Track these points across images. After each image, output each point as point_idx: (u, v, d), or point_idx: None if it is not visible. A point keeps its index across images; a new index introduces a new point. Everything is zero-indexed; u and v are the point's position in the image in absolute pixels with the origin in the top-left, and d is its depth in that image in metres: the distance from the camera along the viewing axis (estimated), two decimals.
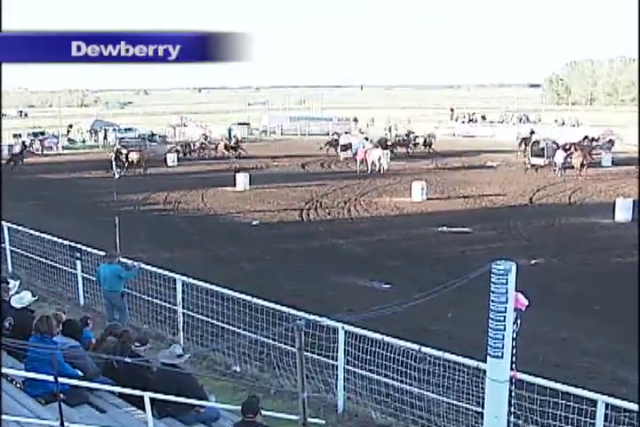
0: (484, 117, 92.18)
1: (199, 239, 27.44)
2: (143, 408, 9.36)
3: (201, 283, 15.13)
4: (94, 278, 16.98)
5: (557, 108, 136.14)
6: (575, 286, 20.87)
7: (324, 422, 10.12)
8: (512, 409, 9.92)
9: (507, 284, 8.71)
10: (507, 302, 8.78)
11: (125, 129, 72.35)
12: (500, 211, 33.11)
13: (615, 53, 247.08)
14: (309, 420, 7.61)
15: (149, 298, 16.58)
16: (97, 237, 21.99)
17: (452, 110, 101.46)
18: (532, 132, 58.86)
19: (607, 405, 9.52)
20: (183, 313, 15.52)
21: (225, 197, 36.83)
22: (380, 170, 45.35)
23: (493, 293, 8.72)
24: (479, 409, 10.40)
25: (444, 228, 29.10)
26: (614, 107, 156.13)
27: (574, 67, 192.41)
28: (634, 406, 9.39)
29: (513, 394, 9.78)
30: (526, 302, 9.48)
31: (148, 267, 16.38)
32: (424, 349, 11.25)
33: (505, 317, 8.88)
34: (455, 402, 11.16)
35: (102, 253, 16.73)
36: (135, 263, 16.33)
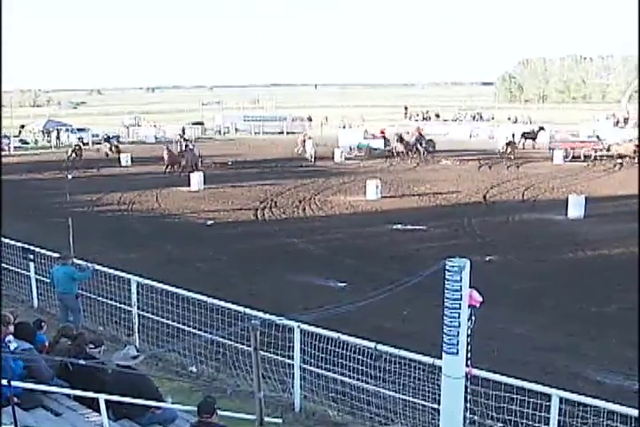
0: (437, 116, 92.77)
1: (154, 240, 27.29)
2: (99, 411, 9.29)
3: (156, 283, 15.03)
4: (48, 280, 16.83)
5: (510, 106, 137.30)
6: (529, 283, 21.06)
7: (280, 421, 10.12)
8: (468, 405, 9.99)
9: (461, 281, 8.76)
10: (461, 298, 8.84)
11: (78, 129, 71.62)
12: (454, 208, 33.30)
13: (567, 51, 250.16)
14: (266, 419, 7.60)
15: (104, 299, 16.45)
16: (50, 238, 21.76)
17: (406, 109, 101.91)
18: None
19: (561, 399, 9.59)
20: (138, 314, 15.41)
21: (179, 197, 36.63)
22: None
23: (447, 290, 8.77)
24: (435, 406, 10.47)
25: (399, 226, 29.20)
26: (566, 104, 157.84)
27: (527, 65, 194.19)
28: (587, 400, 9.48)
29: (468, 390, 9.86)
30: (480, 299, 9.55)
31: (103, 268, 16.25)
32: (380, 346, 11.28)
33: (459, 313, 8.93)
34: (411, 399, 11.20)
35: (56, 255, 16.57)
36: (89, 265, 16.19)
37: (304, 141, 55.43)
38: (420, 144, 52.35)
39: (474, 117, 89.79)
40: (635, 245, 24.96)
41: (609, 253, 24.95)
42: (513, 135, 55.12)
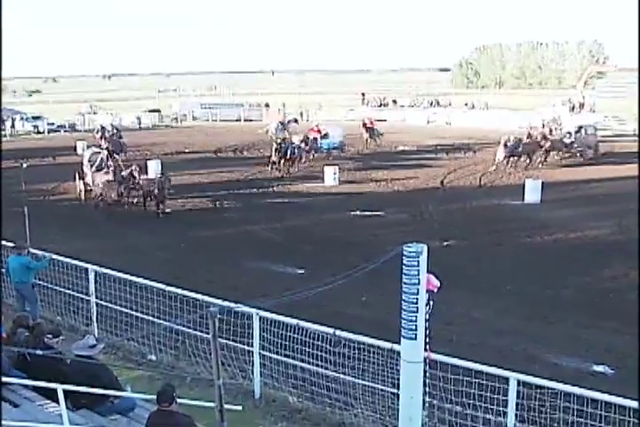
0: (394, 102, 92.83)
1: (111, 228, 27.12)
2: (57, 401, 9.23)
3: (114, 272, 14.94)
4: (3, 270, 16.66)
5: (467, 92, 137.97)
6: (487, 267, 21.24)
7: (240, 408, 10.11)
8: (427, 389, 10.06)
9: (418, 266, 8.80)
10: (419, 283, 8.88)
11: (34, 117, 70.82)
12: (412, 194, 33.46)
13: (523, 38, 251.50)
14: (226, 406, 7.58)
15: (61, 289, 16.31)
16: (5, 227, 21.52)
17: (364, 95, 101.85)
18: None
19: (519, 382, 9.69)
20: (96, 303, 15.32)
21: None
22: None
23: (405, 275, 8.80)
24: (395, 390, 10.52)
25: (357, 212, 29.28)
26: (522, 90, 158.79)
27: (483, 51, 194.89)
28: (544, 382, 9.58)
29: (427, 374, 9.93)
30: (438, 284, 9.60)
31: (60, 257, 16.11)
32: (338, 332, 11.32)
33: (417, 298, 8.97)
34: (371, 384, 11.25)
35: (11, 245, 16.40)
36: (45, 254, 16.05)
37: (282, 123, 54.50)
38: (371, 136, 51.80)
39: (431, 103, 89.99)
40: (590, 229, 25.39)
41: (565, 238, 25.24)
42: None
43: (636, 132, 57.26)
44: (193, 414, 9.08)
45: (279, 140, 41.71)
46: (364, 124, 52.06)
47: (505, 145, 40.90)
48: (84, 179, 32.92)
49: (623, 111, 70.41)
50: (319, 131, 47.95)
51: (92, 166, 32.58)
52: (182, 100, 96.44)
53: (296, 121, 59.28)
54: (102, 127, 50.45)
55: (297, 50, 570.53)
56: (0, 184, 25.87)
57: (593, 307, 18.15)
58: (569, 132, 45.78)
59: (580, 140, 44.59)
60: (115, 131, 49.75)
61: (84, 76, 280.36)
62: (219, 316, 7.94)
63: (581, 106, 72.16)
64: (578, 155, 44.06)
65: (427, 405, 10.24)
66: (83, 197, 32.51)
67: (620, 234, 25.65)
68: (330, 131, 49.23)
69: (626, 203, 29.71)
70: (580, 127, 45.57)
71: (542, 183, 32.21)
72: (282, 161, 40.38)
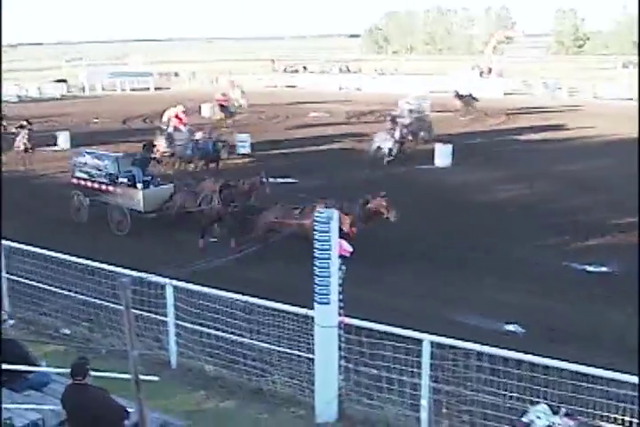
0: (305, 68, 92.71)
1: (20, 202, 26.53)
2: None
3: (23, 246, 14.64)
4: None
5: (378, 58, 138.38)
6: (400, 231, 21.36)
7: (157, 378, 10.06)
8: (342, 353, 10.17)
9: (330, 231, 8.87)
10: (330, 249, 8.95)
11: None
12: (324, 160, 33.43)
13: (431, 4, 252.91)
14: (143, 377, 7.54)
15: None
16: None
17: (273, 62, 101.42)
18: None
19: (433, 343, 9.81)
20: (7, 278, 15.03)
21: (45, 158, 35.52)
22: None
23: (317, 241, 8.86)
24: (311, 356, 10.61)
25: (271, 179, 29.12)
26: (433, 55, 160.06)
27: (392, 17, 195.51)
28: (458, 343, 9.73)
29: (342, 339, 10.03)
30: (350, 249, 9.70)
31: None
32: (252, 299, 11.31)
33: (329, 264, 9.05)
34: (287, 350, 11.29)
35: None
36: None
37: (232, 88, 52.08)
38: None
39: (341, 70, 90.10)
40: (503, 191, 25.94)
41: (475, 200, 25.60)
42: None
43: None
44: (109, 387, 9.02)
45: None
46: (218, 100, 47.95)
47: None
48: None
49: (530, 76, 71.62)
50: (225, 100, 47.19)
51: None
52: (90, 69, 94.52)
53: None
54: None
55: (205, 17, 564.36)
56: (0, 179, 24.81)
57: (503, 269, 18.50)
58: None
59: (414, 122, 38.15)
60: None
61: None
62: (132, 286, 7.88)
63: (489, 71, 73.17)
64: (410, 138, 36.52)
65: (342, 369, 10.37)
66: None
67: (531, 196, 26.20)
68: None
69: (538, 165, 30.44)
70: (411, 110, 40.03)
71: (453, 148, 32.58)
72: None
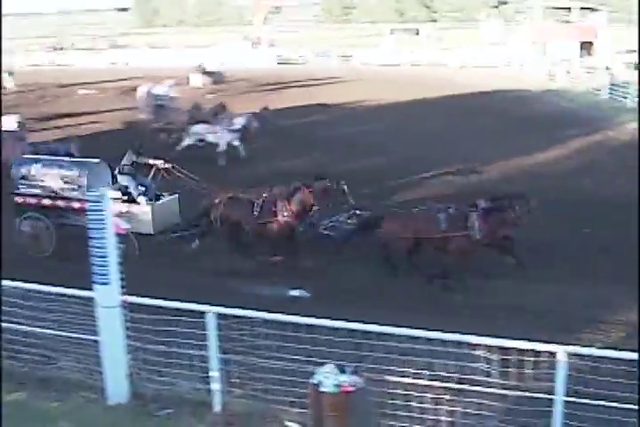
0: (72, 45, 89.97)
1: None
2: None
3: None
4: None
5: (149, 32, 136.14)
6: None
7: None
8: (129, 333, 10.03)
9: (103, 210, 8.69)
10: (105, 228, 8.77)
11: None
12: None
13: None
14: None
15: None
16: None
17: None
18: None
19: (219, 314, 9.80)
20: None
21: None
22: None
23: (90, 220, 8.66)
24: (97, 338, 10.37)
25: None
26: (203, 28, 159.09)
27: None
28: (241, 312, 9.76)
29: (128, 318, 9.88)
30: (127, 226, 9.55)
31: None
32: (26, 285, 10.84)
33: (106, 243, 8.87)
34: (70, 334, 10.95)
35: None
36: None
37: None
38: None
39: (110, 45, 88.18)
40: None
41: None
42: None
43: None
44: None
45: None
46: None
47: None
48: None
49: (302, 45, 72.74)
50: None
51: None
52: None
53: None
54: None
55: None
56: (1, 179, 21.67)
57: None
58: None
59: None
60: None
61: None
62: None
63: (260, 41, 73.72)
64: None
65: (130, 348, 10.22)
66: None
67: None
68: None
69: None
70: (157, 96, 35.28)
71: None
72: None
